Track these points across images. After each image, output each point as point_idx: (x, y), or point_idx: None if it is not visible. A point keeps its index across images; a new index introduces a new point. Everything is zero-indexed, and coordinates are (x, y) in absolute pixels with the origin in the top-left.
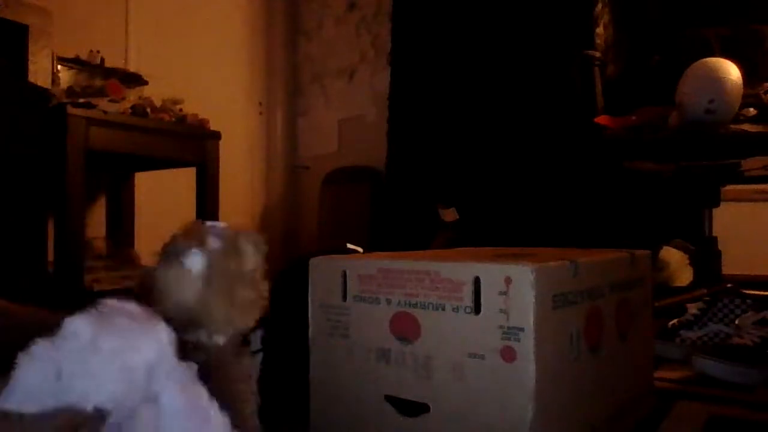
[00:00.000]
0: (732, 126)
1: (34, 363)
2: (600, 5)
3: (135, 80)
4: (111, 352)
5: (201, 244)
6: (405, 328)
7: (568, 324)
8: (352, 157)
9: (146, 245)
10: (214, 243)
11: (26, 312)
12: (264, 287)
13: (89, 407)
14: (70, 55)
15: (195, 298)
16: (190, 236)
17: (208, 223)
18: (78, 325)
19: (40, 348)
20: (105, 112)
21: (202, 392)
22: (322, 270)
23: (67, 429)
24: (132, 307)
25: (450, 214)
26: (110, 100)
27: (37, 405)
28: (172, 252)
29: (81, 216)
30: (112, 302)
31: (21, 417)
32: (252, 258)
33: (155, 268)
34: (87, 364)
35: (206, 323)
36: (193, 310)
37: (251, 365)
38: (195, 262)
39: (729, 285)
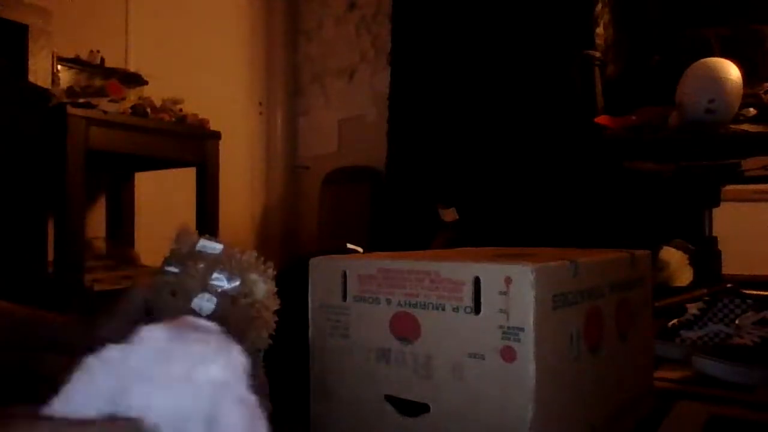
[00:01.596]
0: (732, 126)
1: (102, 365)
2: (600, 5)
3: (135, 80)
4: (181, 362)
5: (205, 285)
6: (405, 328)
7: (568, 324)
8: (352, 157)
9: (146, 245)
10: (219, 281)
11: (26, 312)
12: (275, 305)
13: (145, 416)
14: (70, 55)
15: None
16: (191, 270)
17: (202, 243)
18: (153, 332)
19: (112, 351)
20: (105, 112)
21: (263, 425)
22: (322, 270)
23: None
24: (211, 325)
25: (450, 214)
26: (110, 100)
27: (96, 404)
28: (176, 288)
29: (81, 216)
30: (191, 319)
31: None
32: (261, 287)
33: (157, 298)
34: (152, 371)
35: None
36: None
37: (265, 378)
38: (205, 307)
39: (729, 285)
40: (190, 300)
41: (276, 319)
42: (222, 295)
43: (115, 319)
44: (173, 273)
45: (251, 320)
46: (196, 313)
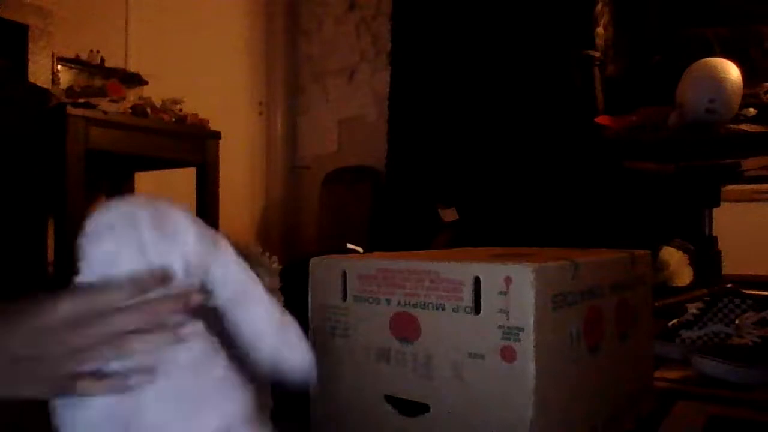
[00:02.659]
0: (732, 126)
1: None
2: (600, 5)
3: (135, 80)
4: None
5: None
6: (405, 328)
7: (568, 324)
8: (352, 157)
9: None
10: None
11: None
12: (279, 299)
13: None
14: (70, 55)
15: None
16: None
17: None
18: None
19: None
20: (105, 112)
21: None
22: (322, 270)
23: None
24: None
25: (450, 214)
26: (110, 100)
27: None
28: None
29: (81, 216)
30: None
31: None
32: (266, 281)
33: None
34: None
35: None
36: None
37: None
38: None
39: (729, 285)
40: None
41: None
42: None
43: None
44: None
45: None
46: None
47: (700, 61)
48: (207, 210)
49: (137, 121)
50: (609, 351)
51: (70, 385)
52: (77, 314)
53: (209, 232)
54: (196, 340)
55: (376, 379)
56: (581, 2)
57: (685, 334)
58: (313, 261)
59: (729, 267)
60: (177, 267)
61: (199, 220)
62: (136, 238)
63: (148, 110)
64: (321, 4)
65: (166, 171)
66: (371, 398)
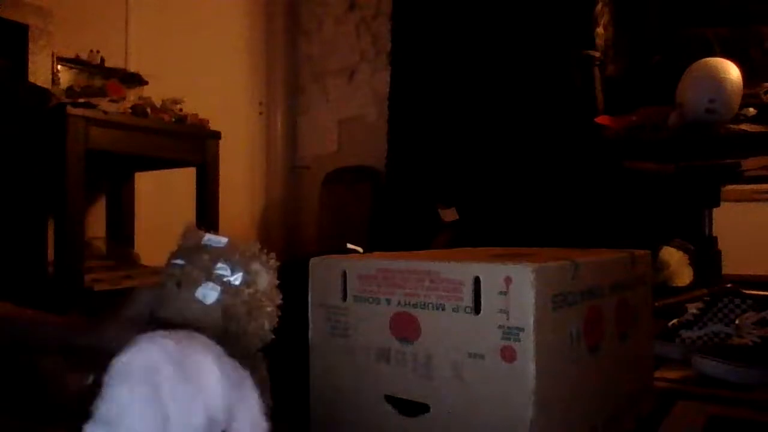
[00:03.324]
0: (732, 126)
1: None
2: (600, 5)
3: (135, 80)
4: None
5: (210, 275)
6: (405, 328)
7: (568, 324)
8: (352, 157)
9: (146, 245)
10: (223, 270)
11: (31, 315)
12: (278, 297)
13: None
14: (70, 55)
15: (214, 330)
16: (197, 261)
17: (208, 237)
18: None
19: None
20: (105, 112)
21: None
22: (322, 270)
23: None
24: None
25: (450, 214)
26: (110, 100)
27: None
28: (182, 279)
29: (81, 216)
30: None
31: None
32: (264, 278)
33: (163, 290)
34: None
35: (226, 347)
36: (213, 338)
37: (266, 374)
38: (209, 296)
39: (729, 285)
40: (195, 290)
41: (279, 313)
42: (226, 285)
43: (120, 322)
44: (179, 265)
45: (254, 310)
46: (201, 303)
47: (700, 61)
48: (207, 210)
49: (137, 121)
50: (609, 351)
51: None
52: None
53: (235, 374)
54: None
55: (376, 379)
56: (581, 2)
57: (685, 334)
58: (313, 261)
59: (729, 267)
60: (198, 417)
61: (227, 361)
62: (153, 384)
63: (148, 110)
64: (321, 4)
65: (166, 171)
66: (371, 398)
